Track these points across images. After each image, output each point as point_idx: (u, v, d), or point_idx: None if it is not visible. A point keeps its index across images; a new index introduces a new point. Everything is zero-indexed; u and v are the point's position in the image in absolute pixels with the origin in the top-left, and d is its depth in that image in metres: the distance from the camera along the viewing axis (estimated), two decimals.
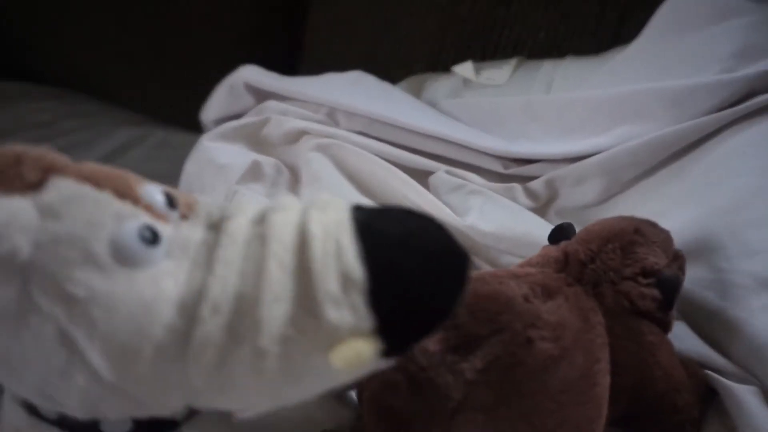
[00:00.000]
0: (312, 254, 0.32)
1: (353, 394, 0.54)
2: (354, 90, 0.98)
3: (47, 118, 1.19)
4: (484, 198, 0.79)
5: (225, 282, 0.31)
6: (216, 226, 0.34)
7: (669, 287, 0.53)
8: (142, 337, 0.30)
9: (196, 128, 1.10)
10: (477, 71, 1.04)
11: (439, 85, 1.07)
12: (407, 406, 0.46)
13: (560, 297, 0.50)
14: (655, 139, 0.74)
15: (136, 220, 0.32)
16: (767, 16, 0.75)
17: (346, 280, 0.31)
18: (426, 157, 0.88)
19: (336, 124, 0.94)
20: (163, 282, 0.31)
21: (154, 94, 1.35)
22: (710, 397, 0.56)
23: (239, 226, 0.34)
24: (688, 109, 0.73)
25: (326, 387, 0.35)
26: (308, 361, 0.32)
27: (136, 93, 1.36)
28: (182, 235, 0.33)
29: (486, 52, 1.09)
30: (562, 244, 0.56)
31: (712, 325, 0.60)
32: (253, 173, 0.87)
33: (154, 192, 0.34)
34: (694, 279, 0.61)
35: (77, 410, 0.33)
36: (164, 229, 0.33)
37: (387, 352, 0.33)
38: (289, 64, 1.27)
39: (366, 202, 0.68)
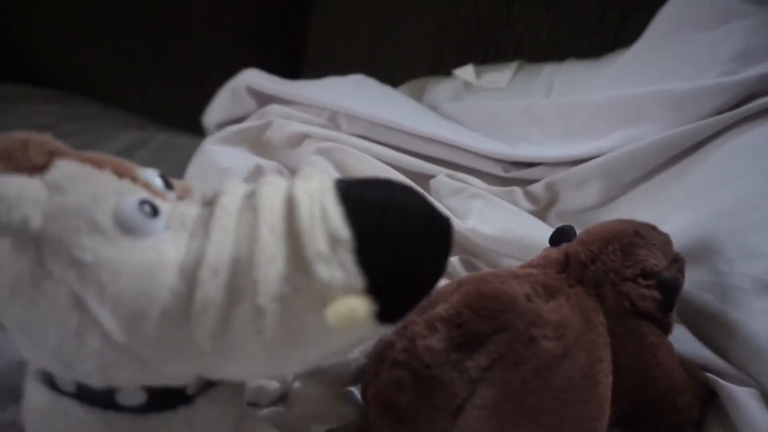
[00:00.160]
0: (299, 218, 0.34)
1: (358, 393, 0.54)
2: (355, 93, 0.98)
3: (50, 121, 1.19)
4: (484, 201, 0.80)
5: (221, 247, 0.34)
6: (210, 203, 0.36)
7: (669, 289, 0.53)
8: (147, 298, 0.32)
9: (197, 130, 1.11)
10: (478, 74, 1.04)
11: (441, 89, 1.08)
12: (412, 403, 0.46)
13: (562, 297, 0.51)
14: (655, 142, 0.75)
15: (135, 195, 0.35)
16: (767, 19, 0.76)
17: (333, 240, 0.33)
18: (427, 161, 0.88)
19: (338, 128, 0.94)
20: (164, 249, 0.34)
21: (156, 96, 1.35)
22: (710, 399, 0.56)
23: (231, 200, 0.36)
24: (688, 112, 0.74)
25: (327, 351, 0.36)
26: (305, 318, 0.33)
27: (138, 95, 1.36)
28: (179, 210, 0.36)
29: (487, 54, 1.10)
30: (563, 245, 0.57)
31: (711, 328, 0.61)
32: (256, 177, 0.87)
33: (151, 175, 0.37)
34: (693, 281, 0.61)
35: (93, 376, 0.35)
36: (162, 206, 0.35)
37: (382, 316, 0.34)
38: (290, 66, 1.28)
39: None
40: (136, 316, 0.32)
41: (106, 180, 0.35)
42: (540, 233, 0.72)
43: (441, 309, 0.49)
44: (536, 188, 0.84)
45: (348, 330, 0.34)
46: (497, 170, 0.87)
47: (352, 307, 0.33)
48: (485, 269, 0.74)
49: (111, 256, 0.33)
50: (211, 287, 0.33)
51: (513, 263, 0.72)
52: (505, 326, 0.47)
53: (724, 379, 0.57)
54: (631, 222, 0.57)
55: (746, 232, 0.61)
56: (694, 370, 0.56)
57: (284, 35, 1.34)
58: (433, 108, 1.03)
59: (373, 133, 0.91)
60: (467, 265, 0.75)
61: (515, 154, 0.86)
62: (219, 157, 0.90)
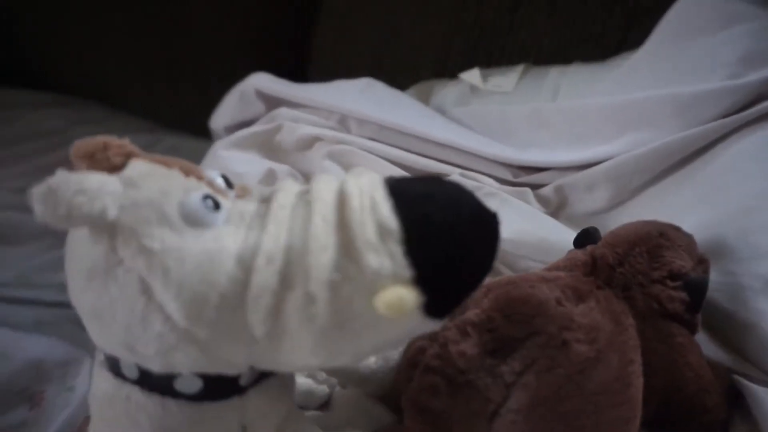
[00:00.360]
0: (350, 209, 0.35)
1: None
2: (364, 97, 0.98)
3: (59, 125, 1.20)
4: (500, 201, 0.79)
5: (277, 237, 0.36)
6: (267, 200, 0.39)
7: (697, 290, 0.54)
8: (208, 284, 0.35)
9: (204, 134, 1.10)
10: (484, 78, 1.04)
11: (447, 92, 1.07)
12: (448, 408, 0.46)
13: (591, 300, 0.51)
14: (662, 146, 0.75)
15: (199, 191, 0.38)
16: None
17: (382, 230, 0.34)
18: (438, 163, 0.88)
19: (347, 131, 0.94)
20: (224, 239, 0.36)
21: (162, 100, 1.35)
22: (735, 399, 0.57)
23: (287, 195, 0.38)
24: (695, 116, 0.74)
25: (377, 342, 0.37)
26: (354, 305, 0.35)
27: (144, 99, 1.35)
28: (239, 206, 0.38)
29: (492, 58, 1.10)
30: (589, 248, 0.57)
31: (726, 328, 0.61)
32: (269, 181, 0.87)
33: (215, 175, 0.41)
34: None
35: (154, 359, 0.37)
36: (224, 201, 0.38)
37: (429, 309, 0.35)
38: (297, 71, 1.28)
39: None
40: (196, 301, 0.35)
41: (175, 177, 0.38)
42: (558, 236, 0.72)
43: (472, 314, 0.49)
44: (546, 191, 0.84)
45: (396, 319, 0.35)
46: (506, 175, 0.87)
47: (401, 296, 0.33)
48: (505, 271, 0.74)
49: (176, 245, 0.35)
50: (266, 274, 0.35)
51: (531, 264, 0.72)
52: (537, 331, 0.47)
53: (747, 379, 0.57)
54: (656, 223, 0.58)
55: (755, 234, 0.62)
56: (719, 370, 0.57)
57: (290, 40, 1.34)
58: (440, 112, 1.03)
59: (383, 136, 0.91)
60: None
61: (524, 158, 0.86)
62: (231, 162, 0.89)
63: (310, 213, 0.36)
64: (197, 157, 0.95)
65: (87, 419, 0.46)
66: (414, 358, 0.49)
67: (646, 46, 0.88)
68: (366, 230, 0.34)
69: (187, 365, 0.38)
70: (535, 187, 0.85)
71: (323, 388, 0.55)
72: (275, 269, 0.35)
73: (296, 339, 0.36)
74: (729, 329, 0.61)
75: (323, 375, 0.56)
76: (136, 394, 0.39)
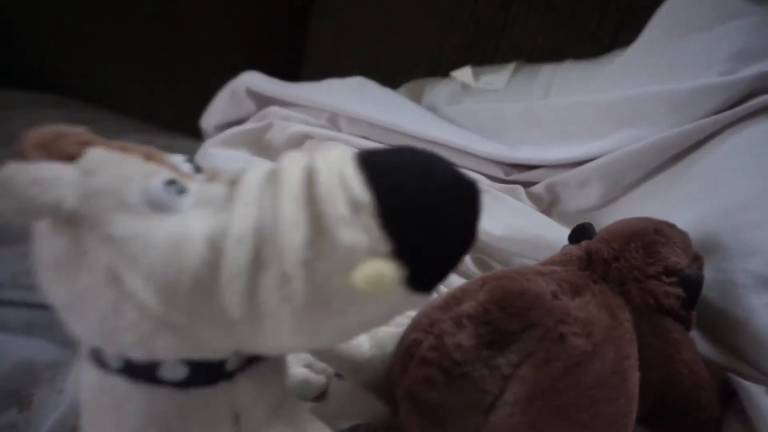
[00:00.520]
0: (318, 184, 0.34)
1: None
2: (356, 95, 0.98)
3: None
4: (492, 198, 0.79)
5: (245, 217, 0.35)
6: (235, 182, 0.37)
7: (692, 286, 0.54)
8: (178, 269, 0.34)
9: (199, 133, 1.10)
10: (476, 76, 1.05)
11: (439, 91, 1.08)
12: (444, 400, 0.46)
13: (587, 294, 0.51)
14: (655, 142, 0.75)
15: (161, 174, 0.37)
16: (766, 18, 0.76)
17: (354, 204, 0.33)
18: None
19: (338, 129, 0.94)
20: (191, 222, 0.35)
21: (158, 100, 1.35)
22: (729, 397, 0.57)
23: (254, 175, 0.37)
24: (688, 112, 0.74)
25: (361, 320, 0.36)
26: (331, 282, 0.34)
27: (140, 99, 1.36)
28: (206, 190, 0.37)
29: (486, 56, 1.10)
30: (584, 243, 0.57)
31: (717, 325, 0.61)
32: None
33: (179, 160, 0.40)
34: None
35: (134, 348, 0.36)
36: (190, 186, 0.37)
37: (413, 282, 0.34)
38: (292, 70, 1.28)
39: None
40: (167, 286, 0.34)
41: (134, 163, 0.37)
42: (551, 233, 0.72)
43: (467, 306, 0.49)
44: (538, 189, 0.84)
45: (377, 294, 0.34)
46: (498, 173, 0.87)
47: (379, 269, 0.33)
48: (498, 267, 0.74)
49: (141, 231, 0.34)
50: (236, 255, 0.34)
51: (525, 262, 0.72)
52: (534, 323, 0.47)
53: (741, 377, 0.57)
54: (651, 220, 0.58)
55: (746, 230, 0.62)
56: (714, 367, 0.57)
57: (285, 39, 1.34)
58: (432, 110, 1.03)
59: (374, 134, 0.91)
60: (480, 263, 0.74)
61: (515, 156, 0.86)
62: (221, 160, 0.89)
63: (278, 191, 0.35)
64: (192, 157, 0.95)
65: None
66: (409, 350, 0.48)
67: (639, 42, 0.88)
68: (336, 205, 0.34)
69: (169, 352, 0.37)
70: (527, 184, 0.85)
71: (320, 378, 0.55)
72: (246, 251, 0.34)
73: (276, 320, 0.35)
74: (721, 326, 0.61)
75: (320, 365, 0.55)
76: (122, 384, 0.39)
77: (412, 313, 0.53)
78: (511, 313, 0.48)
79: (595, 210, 0.82)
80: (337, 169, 0.35)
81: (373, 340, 0.53)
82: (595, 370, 0.46)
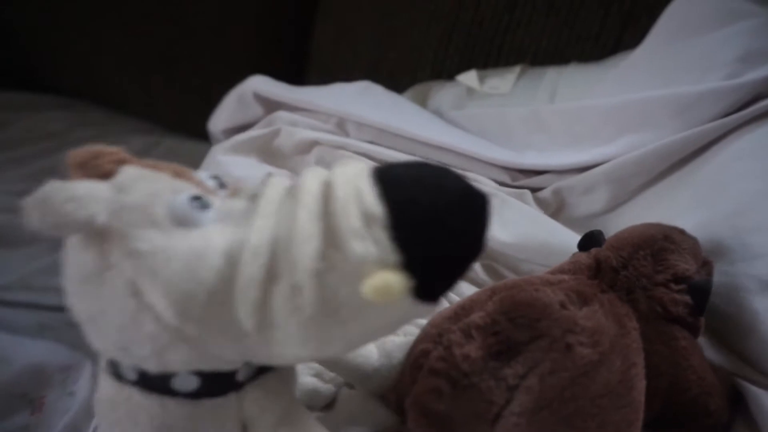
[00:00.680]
0: (334, 197, 0.36)
1: None
2: (363, 100, 0.98)
3: (60, 128, 1.21)
4: (500, 202, 0.79)
5: (262, 231, 0.36)
6: (256, 197, 0.39)
7: (700, 293, 0.54)
8: (195, 282, 0.35)
9: (204, 136, 1.10)
10: (481, 80, 1.04)
11: (444, 95, 1.07)
12: (451, 410, 0.46)
13: (595, 303, 0.51)
14: (660, 147, 0.75)
15: (187, 191, 0.38)
16: None
17: (367, 217, 0.35)
18: None
19: (346, 134, 0.94)
20: (211, 237, 0.37)
21: (163, 102, 1.35)
22: (737, 403, 0.57)
23: (274, 190, 0.39)
24: (694, 116, 0.74)
25: (369, 329, 0.38)
26: (341, 293, 0.35)
27: (145, 101, 1.36)
28: (228, 205, 0.39)
29: (489, 59, 1.10)
30: (593, 250, 0.57)
31: (723, 330, 0.61)
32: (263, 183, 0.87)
33: (205, 176, 0.42)
34: None
35: (149, 360, 0.38)
36: (213, 200, 0.39)
37: (420, 292, 0.35)
38: (295, 72, 1.28)
39: None
40: (184, 298, 0.36)
41: (163, 180, 0.39)
42: (560, 238, 0.72)
43: (476, 317, 0.49)
44: (544, 194, 0.84)
45: (385, 304, 0.35)
46: (504, 178, 0.87)
47: (387, 280, 0.34)
48: (508, 273, 0.74)
49: (164, 245, 0.36)
50: (252, 267, 0.35)
51: (535, 268, 0.72)
52: (541, 334, 0.47)
53: (749, 382, 0.57)
54: (660, 226, 0.58)
55: (750, 234, 0.62)
56: (722, 373, 0.57)
57: (288, 41, 1.34)
58: (437, 114, 1.03)
59: (381, 139, 0.91)
60: (489, 270, 0.75)
61: (522, 162, 0.86)
62: (230, 167, 0.89)
63: (296, 205, 0.36)
64: (197, 159, 0.95)
65: None
66: (418, 361, 0.49)
67: (644, 45, 0.88)
68: (350, 218, 0.35)
69: (181, 363, 0.39)
70: (533, 190, 0.85)
71: (329, 387, 0.55)
72: (261, 262, 0.36)
73: (285, 330, 0.36)
74: (728, 331, 0.61)
75: (329, 374, 0.56)
76: (136, 395, 0.41)
77: (422, 322, 0.53)
78: (519, 324, 0.48)
79: (601, 215, 0.82)
80: (353, 182, 0.36)
81: (381, 350, 0.54)
82: (601, 379, 0.47)
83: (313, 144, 0.92)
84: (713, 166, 0.71)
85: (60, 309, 0.80)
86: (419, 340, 0.50)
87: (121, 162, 0.40)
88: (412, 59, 1.19)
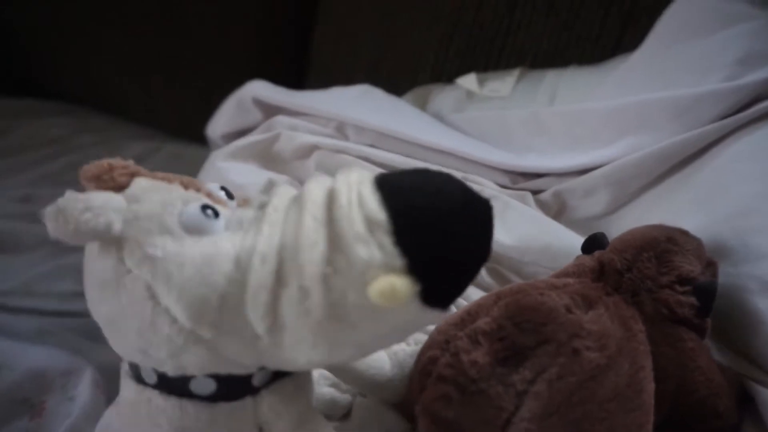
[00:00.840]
0: (338, 204, 0.37)
1: None
2: (362, 104, 0.98)
3: (62, 134, 1.21)
4: (502, 204, 0.79)
5: (270, 237, 0.38)
6: (264, 206, 0.41)
7: (706, 294, 0.54)
8: (208, 286, 0.37)
9: (205, 141, 1.11)
10: (480, 83, 1.04)
11: (444, 98, 1.07)
12: (460, 417, 0.46)
13: (601, 306, 0.51)
14: (660, 149, 0.75)
15: (198, 201, 0.41)
16: None
17: (370, 222, 0.36)
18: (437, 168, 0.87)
19: (345, 138, 0.94)
20: (222, 243, 0.39)
21: (164, 107, 1.35)
22: (746, 403, 0.57)
23: (281, 199, 0.40)
24: (693, 118, 0.74)
25: (378, 334, 0.39)
26: (348, 297, 0.36)
27: (146, 106, 1.36)
28: (238, 214, 0.41)
29: (489, 61, 1.10)
30: (597, 253, 0.57)
31: (727, 331, 0.61)
32: (268, 191, 0.86)
33: (215, 187, 0.44)
34: None
35: (167, 362, 0.40)
36: (223, 210, 0.41)
37: (427, 297, 0.36)
38: (295, 75, 1.28)
39: None
40: (198, 302, 0.37)
41: (174, 190, 0.42)
42: (563, 240, 0.72)
43: (482, 323, 0.49)
44: (545, 197, 0.84)
45: (393, 309, 0.36)
46: (505, 181, 0.87)
47: (393, 284, 0.35)
48: (511, 276, 0.74)
49: (177, 251, 0.38)
50: (261, 273, 0.37)
51: (539, 270, 0.72)
52: (548, 339, 0.47)
53: (757, 383, 0.57)
54: (663, 227, 0.58)
55: (752, 235, 0.62)
56: (730, 374, 0.57)
57: (288, 44, 1.34)
58: (438, 117, 1.03)
59: (381, 143, 0.91)
60: (493, 273, 0.75)
61: (522, 164, 0.86)
62: (231, 174, 0.89)
63: (301, 212, 0.38)
64: (198, 164, 0.95)
65: None
66: (426, 368, 0.49)
67: (644, 47, 0.88)
68: (353, 223, 0.36)
69: (197, 366, 0.40)
70: (534, 192, 0.85)
71: (346, 397, 0.56)
72: (270, 268, 0.37)
73: (296, 333, 0.38)
74: (733, 332, 0.61)
75: (346, 384, 0.56)
76: (156, 397, 0.42)
77: (430, 329, 0.53)
78: (525, 329, 0.48)
79: (602, 217, 0.82)
80: (356, 189, 0.37)
81: (393, 360, 0.54)
82: (610, 383, 0.47)
83: (313, 148, 0.91)
84: (713, 168, 0.71)
85: (61, 314, 0.81)
86: (427, 347, 0.50)
87: (134, 174, 0.42)
88: (412, 61, 1.19)
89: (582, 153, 0.83)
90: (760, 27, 0.76)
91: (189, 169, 0.95)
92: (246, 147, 0.95)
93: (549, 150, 0.88)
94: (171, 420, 0.42)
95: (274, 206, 0.40)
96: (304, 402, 0.46)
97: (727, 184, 0.68)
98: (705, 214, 0.66)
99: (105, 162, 0.43)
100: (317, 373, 0.56)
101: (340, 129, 0.95)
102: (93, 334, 0.72)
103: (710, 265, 0.58)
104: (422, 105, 1.08)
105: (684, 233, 0.58)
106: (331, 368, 0.54)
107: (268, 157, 0.95)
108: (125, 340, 0.41)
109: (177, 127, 1.31)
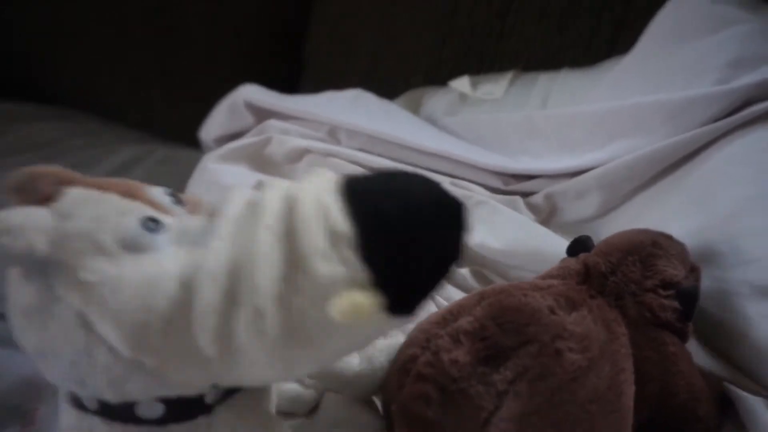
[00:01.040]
0: (296, 216, 0.34)
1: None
2: (354, 108, 0.98)
3: (54, 137, 1.21)
4: (490, 209, 0.79)
5: (219, 253, 0.34)
6: (214, 214, 0.37)
7: (688, 299, 0.54)
8: (147, 311, 0.34)
9: (197, 144, 1.10)
10: (473, 86, 1.04)
11: (437, 101, 1.08)
12: (439, 417, 0.46)
13: (584, 308, 0.51)
14: (652, 152, 0.75)
15: (137, 212, 0.36)
16: (761, 26, 0.76)
17: (333, 235, 0.33)
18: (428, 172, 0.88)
19: (337, 142, 0.94)
20: (165, 261, 0.35)
21: (157, 111, 1.35)
22: (727, 408, 0.57)
23: (233, 207, 0.36)
24: (684, 121, 0.74)
25: (340, 348, 0.36)
26: (307, 316, 0.33)
27: (138, 110, 1.36)
28: (185, 223, 0.37)
29: (483, 64, 1.10)
30: (582, 256, 0.57)
31: (714, 335, 0.61)
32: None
33: (158, 193, 0.39)
34: None
35: (106, 391, 0.36)
36: (167, 220, 0.37)
37: (393, 308, 0.33)
38: (290, 78, 1.28)
39: None
40: (137, 329, 0.34)
41: (110, 201, 0.37)
42: (550, 245, 0.72)
43: (464, 322, 0.49)
44: (536, 199, 0.84)
45: (355, 325, 0.34)
46: (497, 183, 0.87)
47: (356, 301, 0.32)
48: (497, 280, 0.74)
49: (114, 274, 0.34)
50: (209, 293, 0.34)
51: (525, 275, 0.72)
52: (530, 339, 0.47)
53: (738, 387, 0.57)
54: (648, 232, 0.58)
55: (742, 239, 0.62)
56: (711, 378, 0.57)
57: (283, 49, 1.34)
58: (431, 121, 1.03)
59: (373, 147, 0.91)
60: (478, 276, 0.75)
61: (514, 167, 0.86)
62: (221, 176, 0.89)
63: (256, 225, 0.35)
64: (191, 168, 0.95)
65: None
66: (406, 366, 0.48)
67: (636, 50, 0.88)
68: (312, 237, 0.33)
69: (142, 392, 0.37)
70: (525, 194, 0.85)
71: (311, 393, 0.55)
72: (219, 287, 0.34)
73: (250, 354, 0.34)
74: (718, 336, 0.61)
75: (310, 380, 0.55)
76: (99, 425, 0.39)
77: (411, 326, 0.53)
78: (507, 329, 0.48)
79: (593, 220, 0.82)
80: (318, 198, 0.34)
81: (362, 355, 0.52)
82: (590, 384, 0.47)
83: (305, 152, 0.92)
84: (704, 171, 0.71)
85: None
86: (407, 345, 0.50)
87: (63, 183, 0.37)
88: (406, 65, 1.19)
89: (574, 155, 0.84)
90: (750, 30, 0.76)
91: (180, 173, 0.95)
92: (237, 150, 0.95)
93: (542, 153, 0.88)
94: None
95: (226, 216, 0.36)
96: (261, 413, 0.43)
97: (719, 187, 0.68)
98: (696, 217, 0.66)
99: (27, 170, 0.38)
100: None
101: (332, 133, 0.95)
102: None
103: (693, 270, 0.58)
104: (415, 108, 1.08)
105: (668, 238, 0.58)
106: None
107: (259, 160, 0.95)
108: (58, 371, 0.37)
109: (171, 130, 1.31)
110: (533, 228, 0.77)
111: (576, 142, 0.85)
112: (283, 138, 0.93)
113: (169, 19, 1.30)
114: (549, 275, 0.56)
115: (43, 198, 0.36)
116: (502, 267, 0.74)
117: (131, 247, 0.35)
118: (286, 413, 0.53)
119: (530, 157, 0.89)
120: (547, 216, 0.84)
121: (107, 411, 0.38)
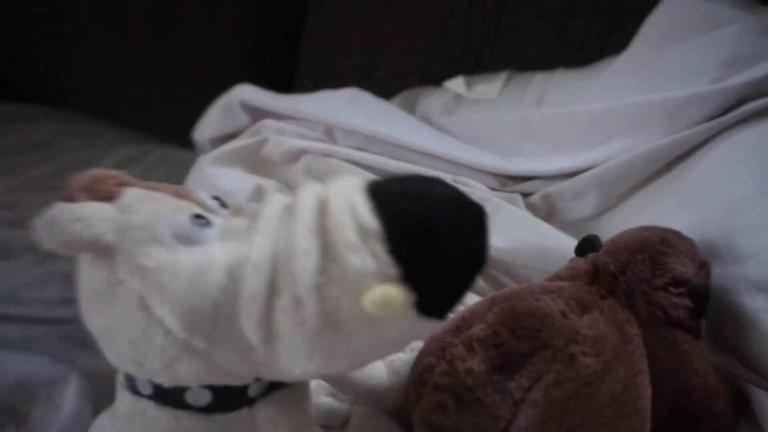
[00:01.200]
0: (329, 212, 0.37)
1: None
2: (351, 107, 0.98)
3: (50, 138, 1.21)
4: (494, 206, 0.79)
5: (262, 247, 0.38)
6: (256, 215, 0.41)
7: (700, 296, 0.54)
8: (200, 296, 0.37)
9: (193, 145, 1.10)
10: (468, 86, 1.04)
11: (432, 101, 1.07)
12: (457, 426, 0.46)
13: (596, 311, 0.50)
14: (649, 151, 0.75)
15: (189, 210, 0.41)
16: (755, 25, 0.77)
17: (363, 231, 0.35)
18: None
19: (334, 142, 0.93)
20: (214, 252, 0.38)
21: (152, 111, 1.35)
22: (742, 405, 0.56)
23: (273, 207, 0.40)
24: (680, 120, 0.74)
25: (373, 344, 0.38)
26: (342, 306, 0.36)
27: (134, 110, 1.36)
28: (230, 223, 0.41)
29: (478, 64, 1.10)
30: (590, 256, 0.56)
31: (722, 333, 0.61)
32: (258, 196, 0.86)
33: (206, 196, 0.44)
34: None
35: (161, 373, 0.40)
36: (215, 219, 0.41)
37: (423, 307, 0.35)
38: (286, 77, 1.28)
39: None
40: (191, 312, 0.37)
41: (166, 200, 0.41)
42: (556, 242, 0.72)
43: (478, 329, 0.48)
44: (534, 200, 0.84)
45: (388, 318, 0.35)
46: (494, 184, 0.87)
47: (387, 293, 0.34)
48: (504, 279, 0.73)
49: (169, 261, 0.38)
50: (254, 282, 0.37)
51: (532, 273, 0.71)
52: (544, 345, 0.47)
53: (753, 385, 0.57)
54: (656, 229, 0.58)
55: (739, 236, 0.62)
56: (726, 375, 0.57)
57: (282, 49, 1.34)
58: (426, 121, 1.03)
59: (370, 146, 0.91)
60: (485, 275, 0.74)
61: (511, 168, 0.86)
62: (219, 180, 0.88)
63: (293, 221, 0.37)
64: (186, 168, 0.95)
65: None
66: (422, 376, 0.48)
67: (630, 50, 0.88)
68: (345, 231, 0.35)
69: (192, 377, 0.40)
70: (523, 195, 0.85)
71: (344, 407, 0.56)
72: (263, 277, 0.37)
73: (290, 344, 0.37)
74: (726, 334, 0.61)
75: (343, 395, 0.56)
76: (151, 408, 0.42)
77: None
78: (521, 335, 0.47)
79: (591, 220, 0.82)
80: (347, 196, 0.37)
81: (390, 369, 0.54)
82: (607, 388, 0.46)
83: (301, 152, 0.91)
84: (700, 170, 0.71)
85: (47, 321, 0.81)
86: (422, 355, 0.50)
87: (123, 184, 0.42)
88: (401, 65, 1.19)
89: (570, 156, 0.84)
90: (745, 29, 0.76)
91: (177, 173, 0.94)
92: (233, 151, 0.94)
93: (538, 153, 0.88)
94: (166, 431, 0.42)
95: (266, 215, 0.39)
96: (301, 413, 0.45)
97: (715, 184, 0.68)
98: (693, 215, 0.67)
99: (95, 172, 0.42)
100: (315, 383, 0.56)
101: (329, 133, 0.94)
102: (80, 341, 0.72)
103: (703, 266, 0.58)
104: (410, 108, 1.08)
105: (677, 234, 0.58)
106: (329, 379, 0.54)
107: (255, 162, 0.94)
108: (119, 352, 0.41)
109: (170, 130, 1.31)
110: (538, 226, 0.77)
111: (572, 142, 0.85)
112: (279, 138, 0.93)
113: (168, 20, 1.31)
114: (558, 276, 0.56)
115: (106, 197, 0.41)
116: (509, 266, 0.74)
117: (184, 239, 0.39)
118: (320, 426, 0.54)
119: (526, 157, 0.89)
120: (546, 216, 0.84)
121: (160, 395, 0.42)
